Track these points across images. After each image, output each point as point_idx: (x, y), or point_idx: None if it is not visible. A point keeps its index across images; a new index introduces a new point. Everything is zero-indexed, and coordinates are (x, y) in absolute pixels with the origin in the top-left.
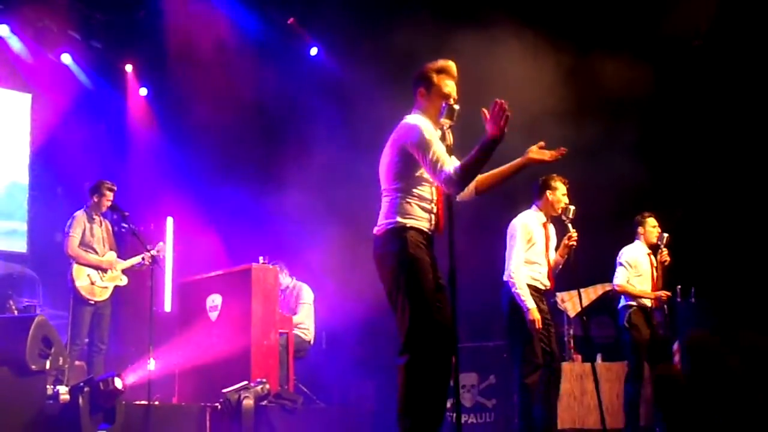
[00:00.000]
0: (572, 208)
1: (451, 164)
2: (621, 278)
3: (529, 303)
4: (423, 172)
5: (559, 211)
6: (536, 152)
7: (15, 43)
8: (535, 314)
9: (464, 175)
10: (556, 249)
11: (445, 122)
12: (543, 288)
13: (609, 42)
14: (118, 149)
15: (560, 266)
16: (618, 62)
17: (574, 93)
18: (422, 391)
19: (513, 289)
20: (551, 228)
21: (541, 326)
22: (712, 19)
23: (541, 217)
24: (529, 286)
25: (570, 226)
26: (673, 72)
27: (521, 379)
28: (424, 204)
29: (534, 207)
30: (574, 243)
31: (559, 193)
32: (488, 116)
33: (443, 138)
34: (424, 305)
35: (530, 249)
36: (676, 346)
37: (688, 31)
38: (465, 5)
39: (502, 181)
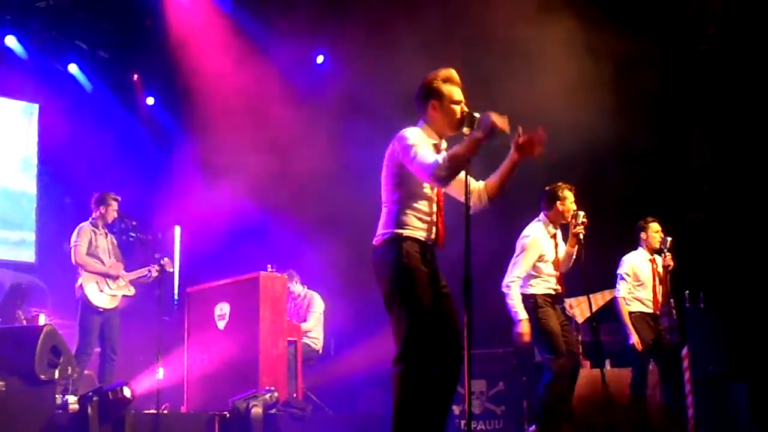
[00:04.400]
0: (581, 213)
1: (435, 157)
2: (622, 291)
3: (521, 314)
4: (419, 185)
5: (569, 219)
6: (521, 145)
7: (22, 53)
8: (524, 327)
9: (450, 164)
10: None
11: (466, 131)
12: (555, 293)
13: (621, 43)
14: (126, 158)
15: (572, 258)
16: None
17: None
18: (415, 401)
19: (507, 300)
20: (559, 234)
21: (529, 339)
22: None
23: (551, 229)
24: (544, 295)
25: (581, 228)
26: (687, 73)
27: (549, 381)
28: (421, 216)
29: (543, 217)
30: (582, 227)
31: (568, 201)
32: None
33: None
34: (419, 314)
35: (541, 263)
36: (684, 351)
37: (696, 33)
38: None
39: (506, 181)
